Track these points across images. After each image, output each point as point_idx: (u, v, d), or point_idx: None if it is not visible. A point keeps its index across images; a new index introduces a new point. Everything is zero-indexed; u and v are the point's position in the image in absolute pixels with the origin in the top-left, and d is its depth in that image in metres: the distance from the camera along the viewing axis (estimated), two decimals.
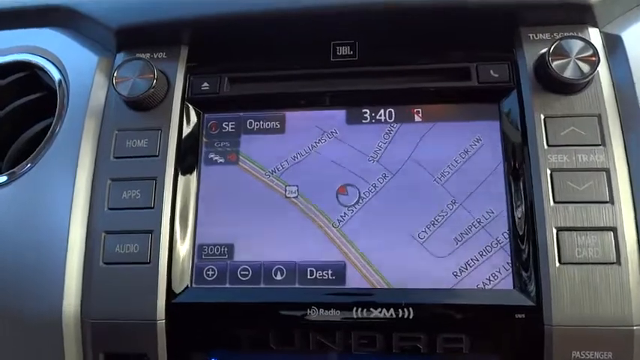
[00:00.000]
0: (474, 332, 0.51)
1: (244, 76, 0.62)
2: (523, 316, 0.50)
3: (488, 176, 0.55)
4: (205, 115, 0.61)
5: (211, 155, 0.60)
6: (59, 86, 0.64)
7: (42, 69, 0.66)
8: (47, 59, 0.66)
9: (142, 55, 0.62)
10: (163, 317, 0.54)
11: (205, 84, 0.61)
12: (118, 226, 0.56)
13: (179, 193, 0.57)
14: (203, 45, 0.63)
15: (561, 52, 0.53)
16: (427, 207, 0.55)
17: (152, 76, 0.58)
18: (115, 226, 0.56)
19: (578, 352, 0.49)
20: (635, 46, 0.56)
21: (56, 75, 0.64)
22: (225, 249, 0.57)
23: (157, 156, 0.58)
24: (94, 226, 0.57)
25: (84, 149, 0.59)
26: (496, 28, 0.58)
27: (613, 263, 0.49)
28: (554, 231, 0.50)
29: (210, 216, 0.58)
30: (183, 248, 0.56)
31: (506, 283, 0.52)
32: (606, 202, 0.51)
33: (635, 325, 0.48)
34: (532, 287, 0.51)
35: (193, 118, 0.61)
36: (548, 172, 0.52)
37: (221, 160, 0.59)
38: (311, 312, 0.52)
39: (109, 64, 0.64)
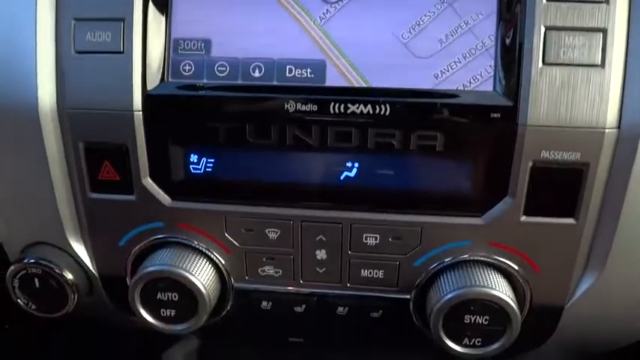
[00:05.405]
0: (448, 131, 0.51)
1: None
2: (498, 115, 0.50)
3: None
4: None
5: None
6: None
7: None
8: None
9: None
10: (140, 108, 0.53)
11: None
12: (88, 13, 0.53)
13: None
14: None
15: None
16: (414, 6, 0.52)
17: None
18: (85, 13, 0.53)
19: (547, 152, 0.50)
20: None
21: None
22: (202, 44, 0.54)
23: None
24: (63, 12, 0.54)
25: None
26: None
27: (597, 66, 0.48)
28: (543, 29, 0.49)
29: (186, 10, 0.54)
30: (158, 41, 0.54)
31: (487, 85, 0.51)
32: (602, 2, 0.48)
33: (608, 128, 0.49)
34: (512, 88, 0.50)
35: None
36: None
37: None
38: (288, 106, 0.52)
39: None
